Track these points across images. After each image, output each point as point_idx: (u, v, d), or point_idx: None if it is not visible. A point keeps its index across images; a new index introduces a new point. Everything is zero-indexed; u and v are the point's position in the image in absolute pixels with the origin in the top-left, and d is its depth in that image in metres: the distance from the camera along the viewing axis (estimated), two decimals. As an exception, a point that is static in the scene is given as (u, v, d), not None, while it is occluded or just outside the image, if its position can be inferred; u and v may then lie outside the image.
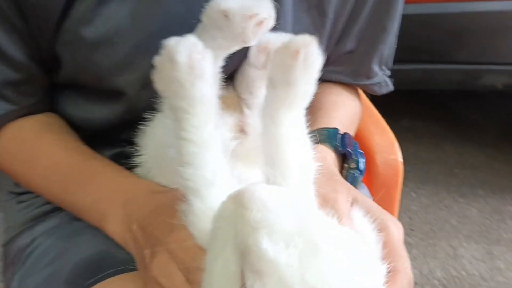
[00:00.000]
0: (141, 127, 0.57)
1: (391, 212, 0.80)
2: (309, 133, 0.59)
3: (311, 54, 0.41)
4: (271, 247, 0.32)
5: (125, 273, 0.52)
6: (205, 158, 0.41)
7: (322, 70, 0.62)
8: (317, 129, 0.59)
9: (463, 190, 2.29)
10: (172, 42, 0.40)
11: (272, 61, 0.43)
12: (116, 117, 0.61)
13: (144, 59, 0.56)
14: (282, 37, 0.49)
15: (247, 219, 0.33)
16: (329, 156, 0.57)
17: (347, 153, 0.58)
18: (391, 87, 0.72)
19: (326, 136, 0.58)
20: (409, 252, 2.07)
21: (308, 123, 0.58)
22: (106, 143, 0.64)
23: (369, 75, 0.70)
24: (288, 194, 0.36)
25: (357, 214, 0.47)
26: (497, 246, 1.94)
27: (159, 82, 0.42)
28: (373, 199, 0.76)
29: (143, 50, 0.55)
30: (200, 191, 0.41)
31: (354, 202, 0.48)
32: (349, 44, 0.67)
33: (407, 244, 2.04)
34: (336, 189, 0.48)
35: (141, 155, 0.56)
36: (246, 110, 0.56)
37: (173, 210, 0.44)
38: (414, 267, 1.80)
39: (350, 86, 0.71)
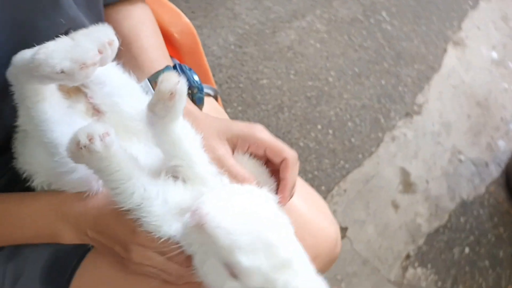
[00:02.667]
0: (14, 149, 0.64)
1: (204, 66, 0.99)
2: (147, 81, 0.70)
3: (181, 89, 0.54)
4: (245, 259, 0.51)
5: (89, 253, 0.67)
6: (134, 185, 0.55)
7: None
8: (151, 78, 0.70)
9: None
10: (82, 134, 0.49)
11: (152, 103, 0.55)
12: None
13: None
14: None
15: (219, 245, 0.51)
16: None
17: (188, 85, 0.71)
18: None
19: None
20: (201, 32, 2.27)
21: (132, 67, 0.69)
22: None
23: None
24: (225, 197, 0.55)
25: (240, 157, 0.66)
26: (260, -11, 2.27)
27: (77, 160, 0.52)
28: (187, 64, 0.93)
29: None
30: (143, 209, 0.56)
31: (234, 147, 0.65)
32: None
33: (198, 27, 2.24)
34: (215, 148, 0.64)
35: (33, 176, 0.64)
36: (87, 91, 0.65)
37: (115, 212, 0.58)
38: (214, 43, 2.09)
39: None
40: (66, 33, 0.57)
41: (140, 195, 0.56)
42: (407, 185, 1.65)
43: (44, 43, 0.54)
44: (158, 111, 0.56)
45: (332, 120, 1.80)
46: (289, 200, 0.64)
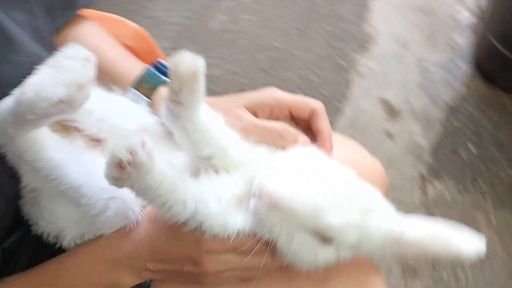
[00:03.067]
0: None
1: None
2: (132, 93, 0.64)
3: (202, 65, 0.48)
4: (334, 218, 0.47)
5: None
6: (183, 193, 0.49)
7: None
8: (136, 84, 0.64)
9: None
10: (120, 151, 0.43)
11: (175, 92, 0.49)
12: None
13: None
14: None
15: (302, 216, 0.47)
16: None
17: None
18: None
19: (151, 83, 0.64)
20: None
21: (108, 83, 0.63)
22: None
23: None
24: (278, 167, 0.50)
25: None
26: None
27: (121, 183, 0.45)
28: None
29: None
30: (200, 214, 0.50)
31: (255, 115, 0.59)
32: None
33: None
34: (240, 116, 0.58)
35: (62, 234, 0.57)
36: (78, 125, 0.58)
37: (169, 231, 0.53)
38: None
39: (76, 18, 0.72)
40: (31, 71, 0.50)
41: (193, 200, 0.50)
42: (392, 112, 1.64)
43: (14, 90, 0.48)
44: (183, 98, 0.49)
45: (296, 81, 1.77)
46: (332, 150, 0.60)
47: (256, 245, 0.52)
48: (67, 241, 0.57)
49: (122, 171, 0.44)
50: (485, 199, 1.45)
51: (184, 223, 0.51)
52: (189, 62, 0.48)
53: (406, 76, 1.71)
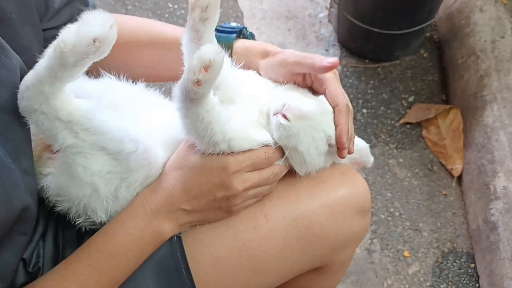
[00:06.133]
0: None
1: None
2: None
3: None
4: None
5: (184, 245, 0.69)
6: (222, 118, 0.63)
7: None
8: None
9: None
10: (208, 54, 0.53)
11: (202, 8, 0.60)
12: None
13: None
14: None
15: (319, 118, 0.65)
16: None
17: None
18: None
19: (225, 42, 0.76)
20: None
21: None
22: None
23: None
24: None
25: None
26: None
27: (201, 87, 0.54)
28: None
29: None
30: (228, 135, 0.63)
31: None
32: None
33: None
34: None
35: (96, 195, 0.64)
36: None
37: (196, 166, 0.61)
38: None
39: None
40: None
41: (224, 121, 0.61)
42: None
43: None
44: (210, 12, 0.61)
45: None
46: (350, 144, 0.69)
47: (271, 156, 0.65)
48: (101, 199, 0.63)
49: (206, 73, 0.53)
50: (389, 147, 1.73)
51: (214, 147, 0.62)
52: None
53: (293, 72, 1.97)
